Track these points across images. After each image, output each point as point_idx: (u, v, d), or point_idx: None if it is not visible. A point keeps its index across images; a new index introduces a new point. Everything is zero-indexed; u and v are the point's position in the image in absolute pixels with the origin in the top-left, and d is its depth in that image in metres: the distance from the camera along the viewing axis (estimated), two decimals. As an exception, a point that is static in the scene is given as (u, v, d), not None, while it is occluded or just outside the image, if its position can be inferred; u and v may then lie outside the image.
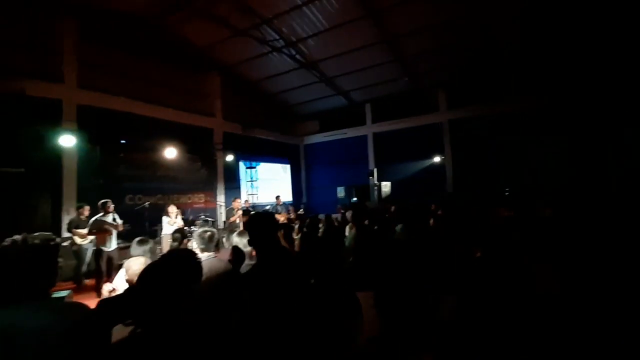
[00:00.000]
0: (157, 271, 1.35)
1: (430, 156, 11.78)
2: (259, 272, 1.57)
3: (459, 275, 2.10)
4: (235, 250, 2.48)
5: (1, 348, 1.01)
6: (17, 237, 1.11)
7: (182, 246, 3.68)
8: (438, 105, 11.79)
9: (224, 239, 4.45)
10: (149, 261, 2.20)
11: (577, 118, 9.20)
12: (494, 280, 1.78)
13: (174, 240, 3.87)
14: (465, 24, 8.48)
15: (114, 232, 5.96)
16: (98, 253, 5.80)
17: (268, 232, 1.66)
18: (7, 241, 1.19)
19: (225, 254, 2.97)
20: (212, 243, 2.37)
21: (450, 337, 1.11)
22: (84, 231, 6.01)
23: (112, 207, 5.96)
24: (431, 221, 5.18)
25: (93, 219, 5.87)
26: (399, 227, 3.04)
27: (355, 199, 12.10)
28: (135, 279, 2.09)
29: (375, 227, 2.75)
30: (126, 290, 2.22)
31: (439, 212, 6.17)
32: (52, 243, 1.21)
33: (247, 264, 2.44)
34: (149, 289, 1.29)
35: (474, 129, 10.99)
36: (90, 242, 6.20)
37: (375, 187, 11.24)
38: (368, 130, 13.37)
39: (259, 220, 1.72)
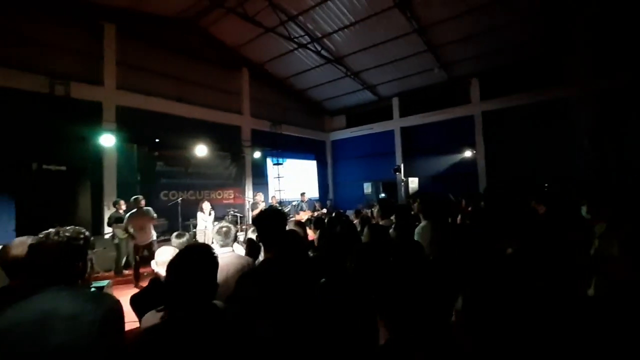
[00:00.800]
0: (173, 265, 1.40)
1: (461, 150, 11.23)
2: (266, 268, 1.57)
3: (482, 274, 1.97)
4: (250, 243, 2.52)
5: (38, 329, 1.14)
6: (51, 230, 1.21)
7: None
8: (470, 97, 11.21)
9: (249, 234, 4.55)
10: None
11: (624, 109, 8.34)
12: (526, 279, 1.65)
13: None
14: (500, 8, 7.96)
15: (151, 225, 6.25)
16: (135, 246, 6.12)
17: (274, 228, 1.65)
18: (42, 234, 1.30)
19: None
20: (229, 238, 2.42)
21: (457, 340, 1.05)
22: (122, 226, 6.38)
23: (143, 202, 6.20)
24: (458, 218, 4.96)
25: (127, 214, 6.18)
26: (419, 226, 2.90)
27: (383, 194, 11.87)
28: (162, 267, 2.24)
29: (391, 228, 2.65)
30: (149, 284, 2.34)
31: (469, 209, 5.90)
32: (82, 236, 1.30)
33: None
34: (169, 282, 1.35)
35: (509, 121, 10.34)
36: (129, 235, 6.57)
37: (402, 183, 10.96)
38: (395, 124, 13.05)
39: (265, 216, 1.72)
